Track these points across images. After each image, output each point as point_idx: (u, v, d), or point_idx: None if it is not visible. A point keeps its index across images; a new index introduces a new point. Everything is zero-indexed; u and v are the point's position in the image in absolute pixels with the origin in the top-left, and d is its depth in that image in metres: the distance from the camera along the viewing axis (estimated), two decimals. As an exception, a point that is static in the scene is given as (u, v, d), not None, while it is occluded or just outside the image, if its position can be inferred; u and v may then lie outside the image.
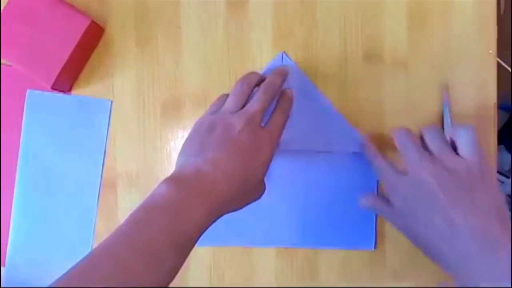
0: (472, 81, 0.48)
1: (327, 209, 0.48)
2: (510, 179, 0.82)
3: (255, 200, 0.41)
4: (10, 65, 0.50)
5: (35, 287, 0.51)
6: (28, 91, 0.51)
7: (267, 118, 0.42)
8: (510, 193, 0.82)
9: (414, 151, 0.39)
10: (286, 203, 0.49)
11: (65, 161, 0.51)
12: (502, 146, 0.83)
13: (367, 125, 0.48)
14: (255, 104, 0.40)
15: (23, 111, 0.51)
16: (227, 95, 0.43)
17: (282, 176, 0.49)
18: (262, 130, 0.40)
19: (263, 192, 0.42)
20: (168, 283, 0.33)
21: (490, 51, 0.47)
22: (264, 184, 0.42)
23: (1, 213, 0.51)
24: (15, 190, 0.51)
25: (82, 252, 0.50)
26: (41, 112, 0.51)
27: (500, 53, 0.48)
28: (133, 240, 0.32)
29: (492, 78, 0.47)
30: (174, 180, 0.36)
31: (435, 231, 0.36)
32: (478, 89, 0.48)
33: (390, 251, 0.48)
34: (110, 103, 0.51)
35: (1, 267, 0.52)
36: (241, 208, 0.40)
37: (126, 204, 0.51)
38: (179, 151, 0.40)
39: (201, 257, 0.50)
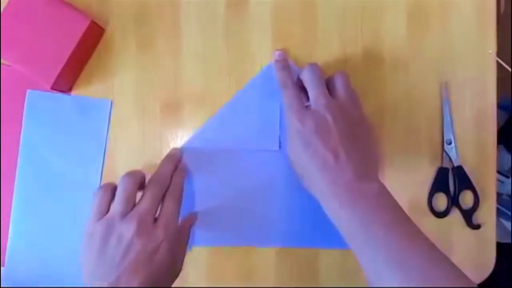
0: (472, 81, 0.48)
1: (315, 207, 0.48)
2: (510, 179, 0.82)
3: (174, 280, 0.43)
4: (10, 65, 0.50)
5: (35, 287, 0.51)
6: (28, 91, 0.51)
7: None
8: (510, 193, 0.82)
9: (323, 92, 0.42)
10: (285, 203, 0.49)
11: (65, 161, 0.51)
12: (501, 146, 0.83)
13: (367, 125, 0.48)
14: (143, 204, 0.40)
15: (23, 111, 0.51)
16: (110, 187, 0.42)
17: (280, 176, 0.49)
18: (156, 228, 0.40)
19: (180, 268, 0.43)
20: None
21: (490, 51, 0.47)
22: (180, 263, 0.43)
23: (1, 213, 0.51)
24: (15, 190, 0.51)
25: (82, 252, 0.51)
26: (41, 112, 0.51)
27: (500, 53, 0.48)
28: None
29: (492, 78, 0.48)
30: None
31: (320, 160, 0.40)
32: (478, 89, 0.48)
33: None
34: (110, 103, 0.51)
35: (1, 267, 0.52)
36: None
37: (126, 204, 0.51)
38: None
39: (200, 257, 0.50)
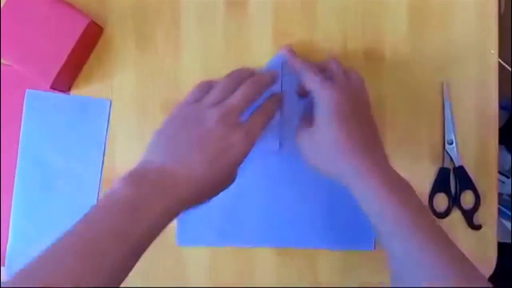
0: (473, 81, 0.48)
1: (326, 209, 0.48)
2: (510, 179, 0.82)
3: (220, 192, 0.40)
4: (9, 65, 0.50)
5: (35, 287, 0.51)
6: (27, 91, 0.51)
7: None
8: (510, 193, 0.82)
9: (341, 72, 0.42)
10: (285, 203, 0.49)
11: (65, 161, 0.51)
12: (502, 146, 0.83)
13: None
14: (235, 98, 0.39)
15: (22, 111, 0.51)
16: (209, 83, 0.41)
17: (280, 176, 0.48)
18: (238, 127, 0.38)
19: (231, 183, 0.40)
20: (116, 284, 0.33)
21: (492, 51, 0.47)
22: (234, 176, 0.40)
23: (0, 213, 0.51)
24: (15, 189, 0.51)
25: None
26: (40, 112, 0.51)
27: (500, 53, 0.47)
28: (76, 241, 0.33)
29: (494, 78, 0.47)
30: (133, 177, 0.36)
31: (355, 136, 0.39)
32: (479, 89, 0.48)
33: (390, 251, 0.48)
34: (109, 102, 0.50)
35: (1, 267, 0.52)
36: (204, 203, 0.39)
37: (126, 204, 0.51)
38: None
39: (201, 257, 0.50)
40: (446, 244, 0.36)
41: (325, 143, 0.40)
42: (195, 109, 0.39)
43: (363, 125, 0.41)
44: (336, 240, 0.48)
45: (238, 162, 0.38)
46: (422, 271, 0.35)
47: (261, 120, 0.40)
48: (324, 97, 0.40)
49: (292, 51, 0.46)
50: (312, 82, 0.41)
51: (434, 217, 0.40)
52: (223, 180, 0.39)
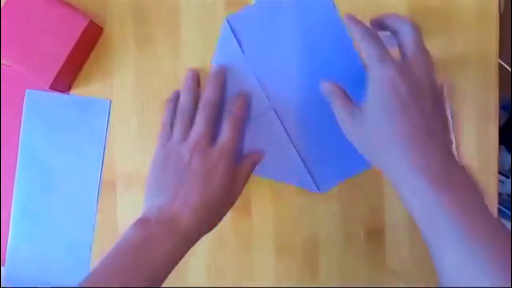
0: (473, 81, 0.47)
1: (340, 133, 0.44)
2: (510, 179, 0.82)
3: (227, 211, 0.43)
4: (9, 65, 0.50)
5: (35, 287, 0.51)
6: (27, 91, 0.51)
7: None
8: (510, 193, 0.82)
9: (417, 40, 0.38)
10: (306, 148, 0.47)
11: (65, 161, 0.51)
12: (502, 146, 0.83)
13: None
14: (197, 128, 0.42)
15: (22, 111, 0.51)
16: (168, 112, 0.45)
17: (276, 97, 0.47)
18: (211, 150, 0.41)
19: (234, 198, 0.43)
20: None
21: (492, 51, 0.47)
22: (235, 191, 0.43)
23: (0, 213, 0.51)
24: (15, 190, 0.51)
25: (81, 252, 0.51)
26: (40, 112, 0.51)
27: (500, 53, 0.47)
28: (99, 280, 0.36)
29: (494, 78, 0.47)
30: (140, 222, 0.40)
31: (415, 132, 0.35)
32: (479, 89, 0.48)
33: (390, 251, 0.48)
34: (109, 103, 0.50)
35: (1, 267, 0.52)
36: (215, 226, 0.42)
37: (126, 204, 0.51)
38: None
39: (201, 256, 0.50)
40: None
41: (374, 130, 0.36)
42: (169, 151, 0.43)
43: (424, 113, 0.35)
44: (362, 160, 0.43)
45: (227, 178, 0.41)
46: None
47: (231, 129, 0.43)
48: (377, 75, 0.36)
49: (352, 17, 0.40)
50: (369, 55, 0.37)
51: (499, 222, 0.33)
52: (222, 198, 0.41)
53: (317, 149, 0.47)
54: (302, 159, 0.47)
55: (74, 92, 0.51)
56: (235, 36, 0.48)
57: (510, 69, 0.56)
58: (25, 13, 0.46)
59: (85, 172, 0.51)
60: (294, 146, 0.47)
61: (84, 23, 0.47)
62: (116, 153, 0.51)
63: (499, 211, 0.51)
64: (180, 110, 0.45)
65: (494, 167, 0.48)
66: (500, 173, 0.71)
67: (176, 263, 0.39)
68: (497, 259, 0.31)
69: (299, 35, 0.47)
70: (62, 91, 0.50)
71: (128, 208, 0.51)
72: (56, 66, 0.46)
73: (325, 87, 0.41)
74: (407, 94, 0.35)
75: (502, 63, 0.50)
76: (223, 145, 0.42)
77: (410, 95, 0.35)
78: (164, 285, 0.50)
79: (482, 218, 0.33)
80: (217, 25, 0.49)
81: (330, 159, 0.47)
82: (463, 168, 0.37)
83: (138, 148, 0.50)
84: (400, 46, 0.38)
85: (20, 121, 0.51)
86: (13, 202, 0.51)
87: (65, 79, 0.49)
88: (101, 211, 0.51)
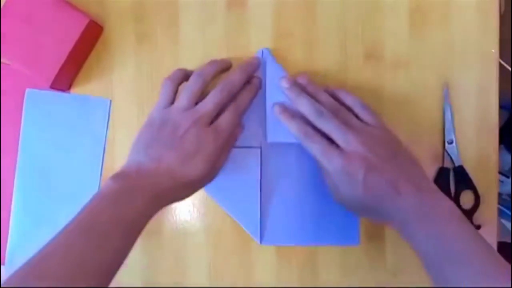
0: (473, 81, 0.48)
1: (311, 205, 0.48)
2: (510, 179, 0.82)
3: (201, 187, 0.45)
4: (9, 64, 0.50)
5: (35, 287, 0.51)
6: (27, 90, 0.51)
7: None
8: (510, 192, 0.82)
9: (336, 128, 0.42)
10: (271, 201, 0.48)
11: (65, 160, 0.51)
12: (502, 145, 0.83)
13: (367, 124, 0.47)
14: (206, 105, 0.43)
15: (22, 110, 0.51)
16: (172, 83, 0.45)
17: (266, 173, 0.48)
18: (207, 131, 0.42)
19: (208, 180, 0.45)
20: (116, 266, 0.37)
21: (493, 50, 0.47)
22: (211, 173, 0.44)
23: (0, 212, 0.51)
24: (15, 188, 0.51)
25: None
26: (40, 111, 0.51)
27: (500, 53, 0.47)
28: (82, 224, 0.37)
29: (494, 77, 0.47)
30: (119, 175, 0.41)
31: (379, 192, 0.39)
32: (479, 89, 0.48)
33: (390, 251, 0.48)
34: (109, 101, 0.50)
35: (1, 266, 0.52)
36: (187, 197, 0.44)
37: (126, 203, 0.51)
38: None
39: (201, 256, 0.50)
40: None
41: (353, 199, 0.41)
42: (170, 113, 0.43)
43: (397, 167, 0.40)
44: (322, 236, 0.48)
45: (211, 159, 0.42)
46: None
47: (229, 120, 0.44)
48: (331, 168, 0.41)
49: (286, 111, 0.45)
50: (314, 154, 0.42)
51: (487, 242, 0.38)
52: (199, 176, 0.42)
53: (279, 207, 0.48)
54: (260, 208, 0.48)
55: (74, 91, 0.51)
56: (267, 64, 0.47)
57: (510, 69, 0.56)
58: (26, 12, 0.46)
59: (85, 171, 0.51)
60: (261, 191, 0.48)
61: (85, 22, 0.47)
62: (116, 152, 0.51)
63: (499, 211, 0.51)
64: (192, 82, 0.45)
65: (494, 167, 0.48)
66: (500, 172, 0.71)
67: (149, 219, 0.41)
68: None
69: None
70: (62, 90, 0.50)
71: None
72: (57, 65, 0.46)
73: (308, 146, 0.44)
74: (360, 169, 0.40)
75: (503, 62, 0.50)
76: (218, 130, 0.43)
77: (366, 166, 0.40)
78: (164, 285, 0.50)
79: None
80: (217, 25, 0.49)
81: (286, 223, 0.48)
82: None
83: (138, 148, 0.50)
84: (358, 114, 0.44)
85: (20, 120, 0.51)
86: (13, 201, 0.51)
87: (66, 78, 0.49)
88: (101, 211, 0.51)
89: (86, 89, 0.51)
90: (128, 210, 0.39)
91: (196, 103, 0.44)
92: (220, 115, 0.44)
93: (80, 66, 0.50)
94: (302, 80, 0.45)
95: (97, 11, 0.50)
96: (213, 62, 0.46)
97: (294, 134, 0.43)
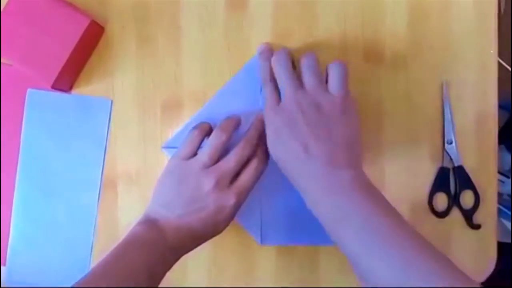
0: (473, 80, 0.48)
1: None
2: (510, 179, 0.82)
3: (207, 240, 0.45)
4: (11, 65, 0.50)
5: (35, 287, 0.51)
6: (28, 90, 0.51)
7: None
8: (510, 193, 0.82)
9: (290, 85, 0.42)
10: (271, 201, 0.49)
11: (66, 161, 0.51)
12: (502, 146, 0.83)
13: (367, 124, 0.48)
14: (229, 162, 0.43)
15: (23, 110, 0.51)
16: (199, 134, 0.45)
17: (267, 174, 0.47)
18: (229, 191, 0.42)
19: (220, 233, 0.45)
20: None
21: (492, 51, 0.47)
22: (225, 227, 0.45)
23: (1, 213, 0.51)
24: (16, 189, 0.51)
25: (82, 252, 0.51)
26: (41, 111, 0.51)
27: (500, 53, 0.48)
28: (115, 269, 0.40)
29: (493, 77, 0.47)
30: (145, 222, 0.43)
31: (293, 154, 0.40)
32: (479, 88, 0.48)
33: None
34: (110, 102, 0.51)
35: (1, 267, 0.52)
36: (196, 246, 0.45)
37: (126, 203, 0.51)
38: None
39: (201, 256, 0.50)
40: (434, 253, 0.35)
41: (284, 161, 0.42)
42: (191, 168, 0.43)
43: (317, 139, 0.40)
44: (325, 236, 0.47)
45: (231, 218, 0.44)
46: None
47: (250, 180, 0.43)
48: (266, 121, 0.42)
49: (266, 51, 0.46)
50: (263, 93, 0.44)
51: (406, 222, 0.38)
52: (214, 232, 0.44)
53: (278, 209, 0.49)
54: (261, 208, 0.48)
55: (75, 91, 0.51)
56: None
57: (510, 69, 0.56)
58: (27, 12, 0.46)
59: (86, 172, 0.51)
60: (262, 191, 0.48)
61: (86, 23, 0.47)
62: (117, 153, 0.51)
63: (499, 211, 0.51)
64: (215, 138, 0.44)
65: (494, 167, 0.48)
66: (500, 173, 0.71)
67: (169, 268, 0.43)
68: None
69: None
70: (63, 91, 0.50)
71: (129, 208, 0.51)
72: (58, 66, 0.46)
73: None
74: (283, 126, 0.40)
75: (502, 62, 0.50)
76: (240, 189, 0.43)
77: (286, 126, 0.40)
78: (164, 284, 0.50)
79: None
80: (217, 26, 0.49)
81: (286, 223, 0.49)
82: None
83: (139, 148, 0.50)
84: (329, 81, 0.42)
85: (22, 120, 0.51)
86: (14, 202, 0.51)
87: (67, 79, 0.49)
88: (102, 211, 0.51)
89: (87, 89, 0.51)
90: (152, 258, 0.41)
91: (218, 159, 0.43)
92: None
93: (81, 67, 0.50)
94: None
95: (98, 11, 0.50)
96: (232, 117, 0.46)
97: (260, 74, 0.45)
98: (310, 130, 0.39)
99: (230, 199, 0.42)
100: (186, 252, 0.44)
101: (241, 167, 0.43)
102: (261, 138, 0.44)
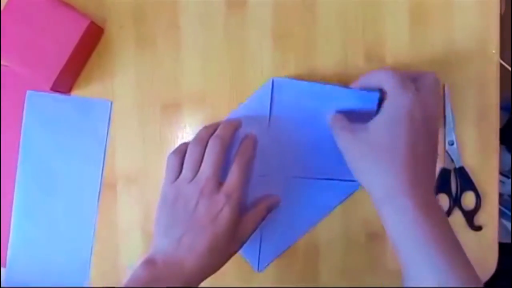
0: (474, 81, 0.48)
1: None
2: (510, 179, 0.82)
3: (231, 256, 0.43)
4: (10, 66, 0.50)
5: (35, 287, 0.51)
6: (28, 92, 0.51)
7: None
8: (510, 193, 0.82)
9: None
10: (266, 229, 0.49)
11: (65, 162, 0.51)
12: (502, 146, 0.82)
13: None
14: (205, 171, 0.42)
15: (23, 112, 0.51)
16: (176, 156, 0.44)
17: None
18: (217, 195, 0.42)
19: (239, 245, 0.44)
20: None
21: (493, 51, 0.47)
22: (240, 237, 0.43)
23: (1, 214, 0.51)
24: (15, 190, 0.51)
25: (82, 253, 0.51)
26: (41, 113, 0.51)
27: (501, 53, 0.47)
28: None
29: (495, 78, 0.47)
30: (147, 263, 0.41)
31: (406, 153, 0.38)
32: (480, 89, 0.48)
33: (391, 252, 0.48)
34: (110, 103, 0.50)
35: (2, 268, 0.52)
36: (218, 269, 0.43)
37: (126, 204, 0.51)
38: None
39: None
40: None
41: (379, 148, 0.39)
42: (178, 188, 0.43)
43: (426, 139, 0.39)
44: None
45: (229, 224, 0.42)
46: None
47: (237, 179, 0.43)
48: (398, 100, 0.39)
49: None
50: (392, 79, 0.40)
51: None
52: (225, 246, 0.42)
53: (277, 237, 0.49)
54: (260, 238, 0.49)
55: (75, 93, 0.51)
56: (272, 97, 0.47)
57: (510, 69, 0.56)
58: (26, 14, 0.46)
59: (86, 173, 0.51)
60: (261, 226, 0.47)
61: (85, 24, 0.47)
62: (117, 154, 0.51)
63: (500, 211, 0.51)
64: (190, 152, 0.44)
65: (494, 167, 0.48)
66: (500, 173, 0.71)
67: None
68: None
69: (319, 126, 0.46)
70: (63, 92, 0.50)
71: (129, 209, 0.51)
72: (57, 67, 0.46)
73: (329, 119, 0.45)
74: (421, 122, 0.38)
75: (503, 62, 0.50)
76: (229, 190, 0.42)
77: (423, 124, 0.39)
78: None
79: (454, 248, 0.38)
80: (217, 26, 0.49)
81: (283, 250, 0.49)
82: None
83: (139, 148, 0.50)
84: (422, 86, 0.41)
85: (21, 122, 0.51)
86: (14, 203, 0.51)
87: (66, 80, 0.49)
88: (102, 212, 0.51)
89: (87, 91, 0.51)
90: None
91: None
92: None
93: (80, 68, 0.50)
94: None
95: (98, 13, 0.50)
96: (208, 126, 0.46)
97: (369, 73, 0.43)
98: (423, 140, 0.39)
99: (219, 202, 0.42)
100: (207, 275, 0.42)
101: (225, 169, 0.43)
102: (228, 136, 0.44)
